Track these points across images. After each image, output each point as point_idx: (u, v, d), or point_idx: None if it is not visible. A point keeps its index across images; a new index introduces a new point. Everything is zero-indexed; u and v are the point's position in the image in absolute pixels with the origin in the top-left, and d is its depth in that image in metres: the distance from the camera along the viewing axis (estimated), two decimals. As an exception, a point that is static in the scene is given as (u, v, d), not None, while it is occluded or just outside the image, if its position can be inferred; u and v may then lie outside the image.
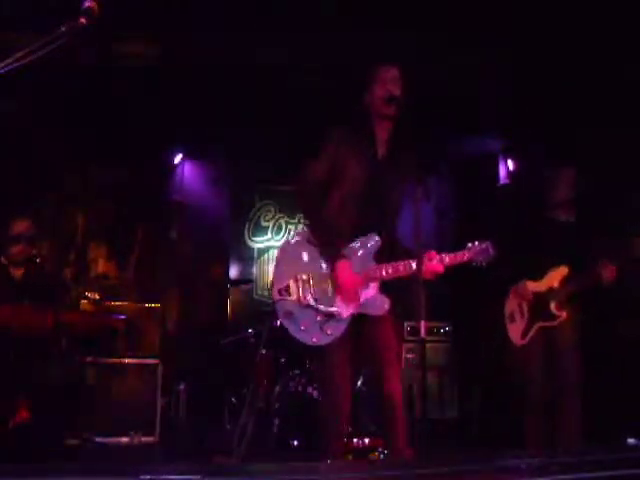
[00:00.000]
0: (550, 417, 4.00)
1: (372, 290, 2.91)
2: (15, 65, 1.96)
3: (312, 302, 2.85)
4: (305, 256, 2.93)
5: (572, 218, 4.11)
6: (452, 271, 2.97)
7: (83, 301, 5.35)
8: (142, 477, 1.64)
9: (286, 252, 3.02)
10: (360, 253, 2.91)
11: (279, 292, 2.88)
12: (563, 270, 3.97)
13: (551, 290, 3.98)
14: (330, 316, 2.85)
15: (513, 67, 5.39)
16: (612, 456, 2.10)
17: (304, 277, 2.88)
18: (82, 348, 4.68)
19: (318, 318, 2.85)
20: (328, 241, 2.91)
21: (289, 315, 2.86)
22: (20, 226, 4.43)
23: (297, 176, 3.06)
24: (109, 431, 4.98)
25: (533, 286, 4.05)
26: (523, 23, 4.84)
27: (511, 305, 4.16)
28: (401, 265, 2.87)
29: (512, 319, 4.14)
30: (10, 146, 5.54)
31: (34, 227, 4.51)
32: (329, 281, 2.88)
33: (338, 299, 2.87)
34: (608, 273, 3.78)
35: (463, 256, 2.94)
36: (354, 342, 2.93)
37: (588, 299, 3.99)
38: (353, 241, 2.93)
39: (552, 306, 3.96)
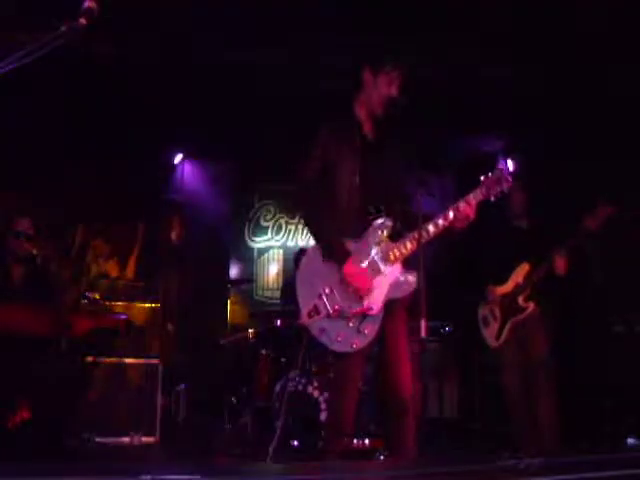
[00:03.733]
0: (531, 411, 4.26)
1: (396, 271, 2.88)
2: (15, 65, 1.96)
3: (342, 310, 2.82)
4: (321, 270, 2.90)
5: (525, 224, 4.50)
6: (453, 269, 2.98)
7: (83, 301, 5.35)
8: (142, 477, 1.64)
9: (302, 274, 2.98)
10: (373, 239, 2.89)
11: (309, 315, 2.85)
12: (525, 267, 4.30)
13: (517, 286, 4.30)
14: (363, 316, 2.83)
15: (514, 67, 5.39)
16: (612, 456, 2.10)
17: (327, 290, 2.85)
18: (82, 348, 4.67)
19: (351, 324, 2.82)
20: (332, 245, 2.89)
21: (322, 332, 2.83)
22: (21, 223, 4.46)
23: (294, 180, 3.07)
24: (109, 431, 4.97)
25: (500, 289, 4.38)
26: (523, 23, 4.84)
27: (484, 310, 4.49)
28: (418, 233, 2.83)
29: (486, 323, 4.46)
30: (10, 145, 5.54)
31: (34, 226, 4.53)
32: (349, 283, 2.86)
33: (365, 297, 2.83)
34: (559, 262, 4.09)
35: (478, 194, 2.93)
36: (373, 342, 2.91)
37: (553, 292, 4.32)
38: (364, 231, 2.91)
39: (520, 300, 4.28)
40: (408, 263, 2.91)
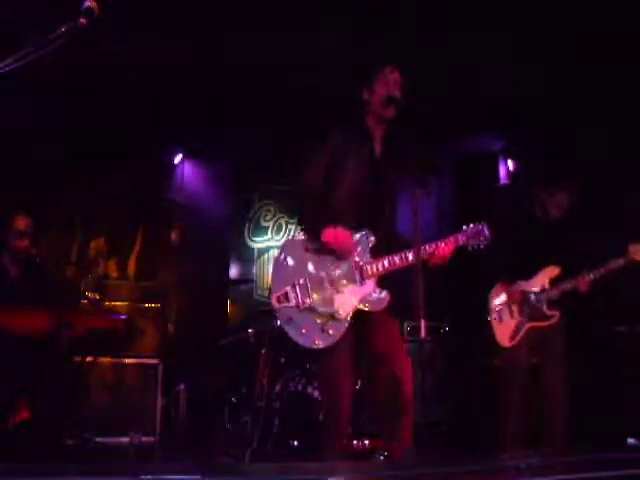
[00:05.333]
0: (527, 417, 4.03)
1: (370, 286, 2.92)
2: (15, 65, 1.96)
3: (311, 305, 2.86)
4: (301, 261, 2.95)
5: (557, 220, 4.13)
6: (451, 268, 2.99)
7: (83, 301, 5.35)
8: (142, 477, 1.64)
9: (282, 260, 3.03)
10: (356, 249, 2.93)
11: (278, 300, 2.90)
12: (554, 270, 4.02)
13: (543, 290, 4.02)
14: (330, 317, 2.86)
15: (513, 66, 5.39)
16: (612, 456, 2.10)
17: (301, 282, 2.90)
18: (82, 348, 4.67)
19: (318, 321, 2.87)
20: (316, 220, 2.94)
21: (289, 321, 2.87)
22: (22, 222, 4.46)
23: (295, 184, 3.09)
24: (109, 431, 4.97)
25: (523, 285, 4.07)
26: (523, 23, 4.84)
27: (499, 302, 4.12)
28: (397, 257, 2.89)
29: (500, 317, 4.10)
30: (10, 145, 5.54)
31: (34, 226, 4.54)
32: (326, 283, 2.90)
33: (337, 299, 2.88)
34: (582, 286, 3.91)
35: (457, 240, 2.97)
36: (356, 341, 2.93)
37: (574, 301, 4.05)
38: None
39: (544, 306, 3.99)
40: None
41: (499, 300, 4.12)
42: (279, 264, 3.01)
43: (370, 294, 2.91)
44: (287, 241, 3.17)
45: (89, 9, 2.02)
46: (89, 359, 5.00)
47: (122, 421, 5.05)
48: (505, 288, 4.11)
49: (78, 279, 5.73)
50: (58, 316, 4.26)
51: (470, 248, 3.00)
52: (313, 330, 2.86)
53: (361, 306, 2.90)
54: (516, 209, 4.63)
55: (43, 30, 2.00)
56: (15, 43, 2.00)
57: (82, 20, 2.01)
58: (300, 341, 2.87)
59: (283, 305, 2.88)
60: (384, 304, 2.91)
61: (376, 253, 2.94)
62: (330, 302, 2.88)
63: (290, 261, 2.97)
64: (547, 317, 4.00)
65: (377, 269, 2.91)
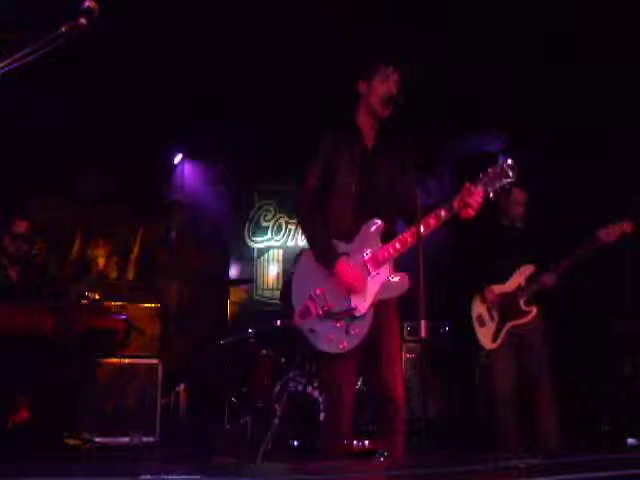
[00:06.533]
0: (520, 415, 4.14)
1: (385, 272, 2.89)
2: (15, 65, 1.96)
3: (330, 310, 2.85)
4: (314, 272, 2.94)
5: (521, 224, 4.34)
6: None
7: (83, 301, 5.35)
8: (142, 477, 1.64)
9: (297, 276, 3.04)
10: (364, 240, 2.92)
11: (300, 315, 2.90)
12: (529, 268, 4.15)
13: (519, 288, 4.15)
14: (351, 317, 2.85)
15: (513, 66, 5.39)
16: (612, 456, 2.10)
17: (318, 292, 2.89)
18: (82, 348, 4.67)
19: (339, 325, 2.85)
20: (323, 248, 2.93)
21: (312, 332, 2.87)
22: (21, 226, 4.47)
23: (297, 189, 3.09)
24: (109, 431, 4.97)
25: (499, 288, 4.20)
26: (523, 23, 4.84)
27: (479, 308, 4.28)
28: (407, 234, 2.86)
29: (481, 322, 4.26)
30: (10, 146, 5.54)
31: (31, 228, 4.55)
32: (340, 284, 2.88)
33: (353, 297, 2.86)
34: (547, 282, 4.04)
35: (478, 186, 2.84)
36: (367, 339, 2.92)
37: (551, 298, 4.17)
38: (355, 235, 2.94)
39: (521, 303, 4.11)
40: (406, 265, 2.92)
41: (480, 305, 4.29)
42: (296, 279, 3.02)
43: (387, 280, 2.88)
44: (300, 254, 3.14)
45: (89, 9, 2.02)
46: (89, 359, 5.00)
47: (122, 421, 5.05)
48: (481, 296, 4.26)
49: (78, 279, 5.72)
50: (58, 316, 4.26)
51: (491, 195, 2.85)
52: (337, 335, 2.84)
53: (381, 295, 2.87)
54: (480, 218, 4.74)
55: (43, 30, 2.00)
56: (15, 43, 2.00)
57: (82, 20, 2.02)
58: (326, 349, 2.85)
59: (306, 320, 2.88)
60: (405, 287, 2.86)
61: (386, 238, 2.91)
62: (347, 301, 2.86)
63: (305, 274, 2.98)
64: (525, 313, 4.11)
65: (390, 253, 2.88)
